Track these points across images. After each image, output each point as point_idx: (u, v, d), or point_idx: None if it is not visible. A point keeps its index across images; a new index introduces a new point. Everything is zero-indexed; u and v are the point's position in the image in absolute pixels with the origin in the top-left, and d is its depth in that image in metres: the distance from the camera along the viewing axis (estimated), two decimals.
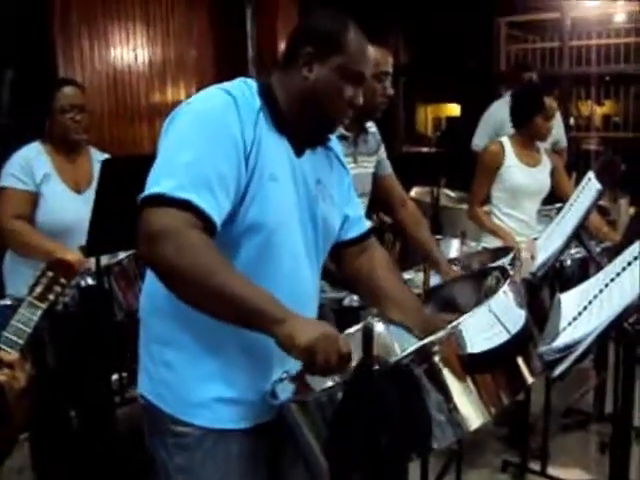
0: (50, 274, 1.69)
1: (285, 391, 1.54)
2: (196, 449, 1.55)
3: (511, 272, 1.60)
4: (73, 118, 2.77)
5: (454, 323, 1.36)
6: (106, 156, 2.89)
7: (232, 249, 1.48)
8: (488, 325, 1.39)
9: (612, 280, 1.79)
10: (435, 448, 1.35)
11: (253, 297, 1.34)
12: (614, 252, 2.27)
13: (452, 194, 5.11)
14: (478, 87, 6.60)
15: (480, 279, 1.79)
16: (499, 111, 4.53)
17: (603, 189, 2.52)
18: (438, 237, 3.16)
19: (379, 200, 2.72)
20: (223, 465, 1.56)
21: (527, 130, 3.42)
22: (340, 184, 1.74)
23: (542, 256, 2.66)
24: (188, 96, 4.62)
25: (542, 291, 2.76)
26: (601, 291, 1.81)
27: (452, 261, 2.83)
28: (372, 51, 1.99)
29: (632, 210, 4.82)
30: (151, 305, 1.61)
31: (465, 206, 3.80)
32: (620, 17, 7.19)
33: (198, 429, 1.54)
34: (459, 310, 1.68)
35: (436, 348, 1.33)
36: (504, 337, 1.40)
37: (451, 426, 1.33)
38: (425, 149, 6.25)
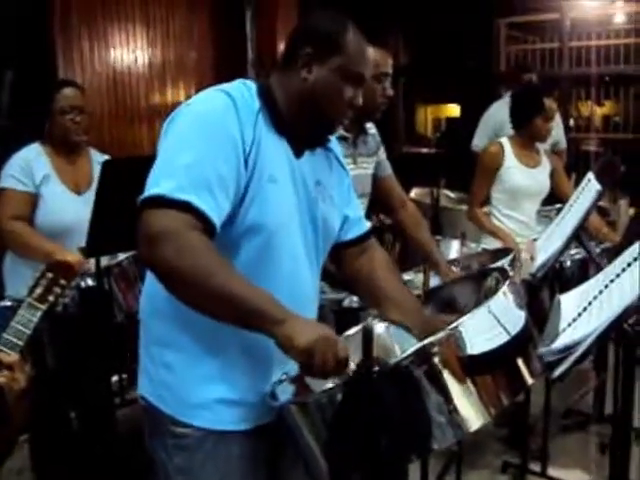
0: (50, 275, 1.69)
1: (285, 392, 1.54)
2: (196, 450, 1.55)
3: (511, 273, 1.60)
4: (73, 119, 2.77)
5: (454, 324, 1.36)
6: (106, 157, 2.89)
7: (232, 251, 1.48)
8: (488, 326, 1.39)
9: (612, 281, 1.79)
10: (435, 449, 1.35)
11: (253, 297, 1.34)
12: (614, 253, 2.27)
13: (452, 195, 5.10)
14: (478, 88, 6.60)
15: (480, 280, 1.79)
16: (499, 112, 4.53)
17: (603, 190, 2.52)
18: (438, 238, 3.16)
19: (379, 201, 2.72)
20: (223, 466, 1.56)
21: (527, 131, 3.42)
22: (340, 185, 1.74)
23: (542, 257, 2.66)
24: (188, 97, 4.60)
25: (542, 292, 2.76)
26: (601, 292, 1.81)
27: (452, 262, 2.83)
28: (372, 52, 1.99)
29: (632, 211, 4.82)
30: (151, 306, 1.61)
31: (465, 207, 3.80)
32: (620, 18, 7.19)
33: (198, 430, 1.54)
34: (459, 311, 1.69)
35: (436, 349, 1.33)
36: (504, 338, 1.39)
37: (451, 427, 1.33)
38: (425, 150, 6.26)
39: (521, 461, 3.10)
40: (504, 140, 3.49)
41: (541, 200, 3.55)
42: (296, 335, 1.31)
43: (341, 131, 2.32)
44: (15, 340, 1.62)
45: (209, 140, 1.42)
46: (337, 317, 2.37)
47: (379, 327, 1.74)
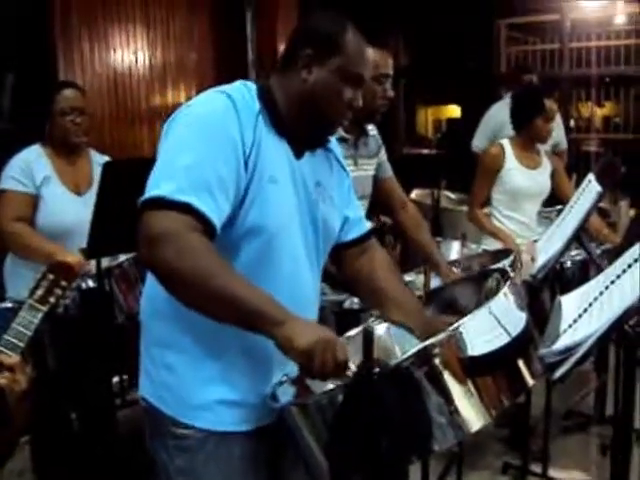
0: (51, 277, 1.69)
1: (286, 394, 1.54)
2: (197, 451, 1.55)
3: (511, 274, 1.60)
4: (73, 121, 2.78)
5: (455, 325, 1.36)
6: (106, 158, 2.89)
7: (232, 252, 1.48)
8: (489, 327, 1.38)
9: (612, 282, 1.79)
10: (436, 450, 1.35)
11: (253, 299, 1.34)
12: (614, 254, 2.27)
13: (452, 196, 5.10)
14: (478, 89, 6.61)
15: (480, 281, 1.79)
16: (499, 113, 4.53)
17: (603, 191, 2.51)
18: (438, 239, 3.16)
19: (379, 202, 2.72)
20: (225, 467, 1.56)
21: (527, 132, 3.42)
22: (340, 186, 1.74)
23: (542, 258, 2.65)
24: (188, 99, 4.60)
25: (542, 293, 2.76)
26: (601, 293, 1.81)
27: (452, 263, 2.83)
28: (372, 53, 1.99)
29: (632, 212, 4.82)
30: (152, 308, 1.61)
31: (465, 208, 3.80)
32: (620, 19, 7.19)
33: (199, 431, 1.54)
34: (459, 312, 1.68)
35: (436, 350, 1.33)
36: (505, 339, 1.39)
37: (452, 428, 1.33)
38: (425, 151, 6.27)
39: (522, 462, 3.10)
40: (505, 142, 3.49)
41: (542, 201, 3.55)
42: (296, 336, 1.31)
43: (342, 132, 2.32)
44: (16, 341, 1.62)
45: (209, 142, 1.42)
46: (338, 318, 2.37)
47: (380, 328, 1.75)
